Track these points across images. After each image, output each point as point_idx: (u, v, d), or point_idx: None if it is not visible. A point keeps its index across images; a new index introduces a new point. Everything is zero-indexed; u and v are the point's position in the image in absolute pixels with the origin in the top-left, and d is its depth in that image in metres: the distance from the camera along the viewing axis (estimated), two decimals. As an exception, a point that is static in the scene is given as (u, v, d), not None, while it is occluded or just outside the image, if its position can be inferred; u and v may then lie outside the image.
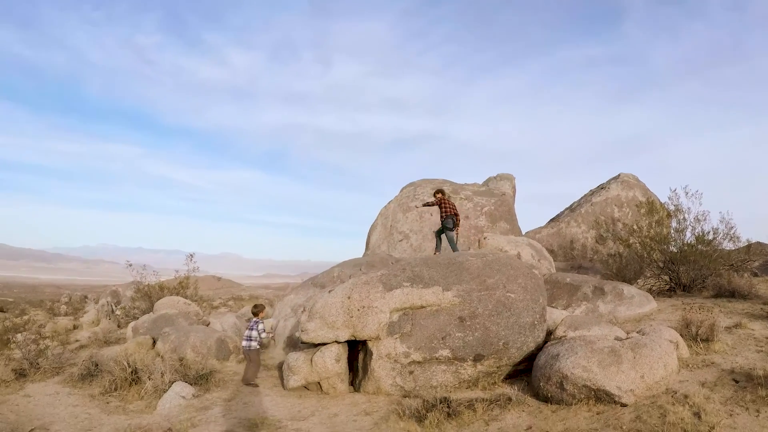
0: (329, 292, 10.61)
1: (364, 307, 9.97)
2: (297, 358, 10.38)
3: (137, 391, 10.52)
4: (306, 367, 10.18)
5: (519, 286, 10.31)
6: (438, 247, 16.74)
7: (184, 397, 9.95)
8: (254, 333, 11.29)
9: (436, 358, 9.63)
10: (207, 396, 10.35)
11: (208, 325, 15.37)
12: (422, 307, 10.02)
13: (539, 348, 9.86)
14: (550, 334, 10.43)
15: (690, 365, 8.84)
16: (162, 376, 10.57)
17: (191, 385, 10.51)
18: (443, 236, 16.86)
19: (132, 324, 16.16)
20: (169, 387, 10.25)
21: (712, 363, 8.83)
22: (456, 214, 15.50)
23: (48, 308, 36.05)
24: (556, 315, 11.25)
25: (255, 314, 11.77)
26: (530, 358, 9.81)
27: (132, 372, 10.95)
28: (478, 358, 9.59)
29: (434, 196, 16.41)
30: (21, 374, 12.08)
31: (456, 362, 9.63)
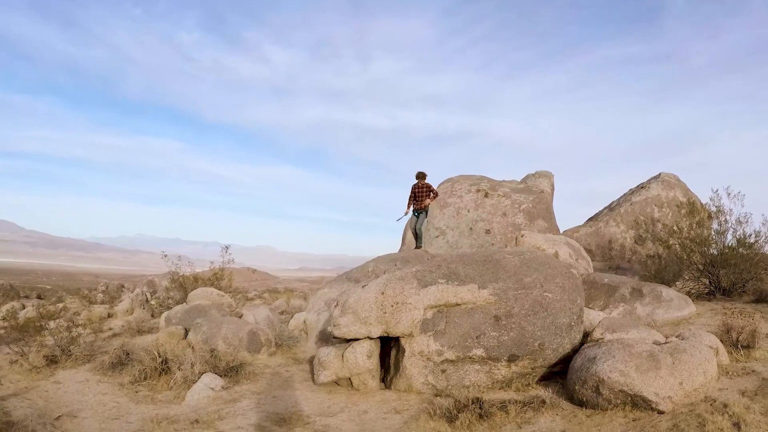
0: (363, 287, 10.41)
1: (397, 303, 9.76)
2: (328, 353, 10.21)
3: (166, 382, 10.48)
4: (337, 363, 10.01)
5: (556, 285, 10.03)
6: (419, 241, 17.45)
7: (213, 389, 9.88)
8: None
9: (470, 358, 9.40)
10: (236, 388, 10.26)
11: (240, 317, 15.29)
12: (457, 304, 9.78)
13: (575, 350, 9.55)
14: (586, 335, 10.10)
15: (730, 372, 8.48)
16: (192, 367, 10.51)
17: (221, 376, 10.43)
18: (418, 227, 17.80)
19: (165, 314, 16.18)
20: (199, 378, 10.18)
21: (753, 371, 8.45)
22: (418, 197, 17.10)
23: (84, 296, 36.49)
24: (593, 316, 10.98)
25: None
26: (566, 360, 9.52)
27: (162, 362, 10.92)
28: (512, 359, 9.36)
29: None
30: (53, 361, 12.15)
31: (490, 362, 9.40)
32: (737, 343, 9.60)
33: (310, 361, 11.77)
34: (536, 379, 9.66)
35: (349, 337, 10.08)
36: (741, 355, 9.27)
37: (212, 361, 11.06)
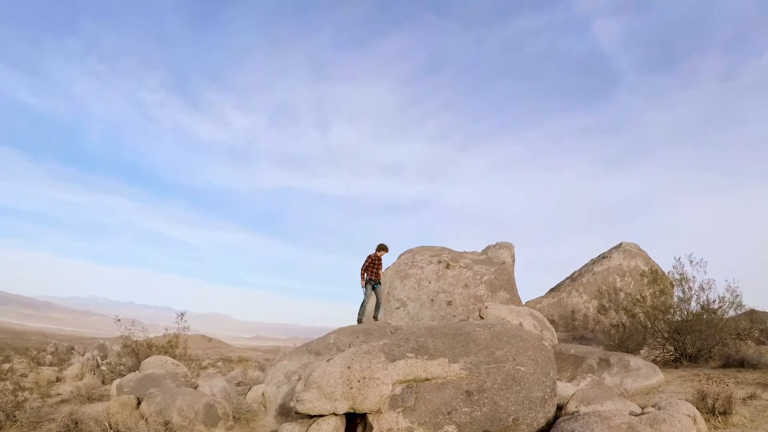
0: (327, 360, 9.94)
1: (365, 378, 9.30)
2: (291, 430, 9.66)
3: (117, 457, 9.83)
4: (301, 440, 9.48)
5: (529, 358, 9.70)
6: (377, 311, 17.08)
7: (167, 467, 9.27)
8: None
9: (441, 435, 8.96)
10: (192, 467, 9.66)
11: (196, 387, 14.64)
12: (427, 379, 9.38)
13: (549, 424, 9.22)
14: (560, 408, 9.79)
15: None
16: (145, 442, 9.89)
17: (175, 454, 9.82)
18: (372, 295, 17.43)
19: (117, 381, 15.45)
20: (152, 454, 9.57)
21: None
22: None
23: (33, 357, 35.29)
24: (563, 388, 10.71)
25: None
26: (541, 435, 9.16)
27: (113, 434, 10.30)
28: (485, 436, 8.95)
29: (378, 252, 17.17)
30: (-4, 426, 11.45)
31: (462, 439, 8.96)
32: (714, 409, 9.49)
33: (270, 437, 11.21)
34: (510, 456, 9.23)
35: (313, 414, 9.54)
36: (719, 421, 9.19)
37: (166, 435, 10.43)
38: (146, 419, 11.49)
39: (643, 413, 8.50)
